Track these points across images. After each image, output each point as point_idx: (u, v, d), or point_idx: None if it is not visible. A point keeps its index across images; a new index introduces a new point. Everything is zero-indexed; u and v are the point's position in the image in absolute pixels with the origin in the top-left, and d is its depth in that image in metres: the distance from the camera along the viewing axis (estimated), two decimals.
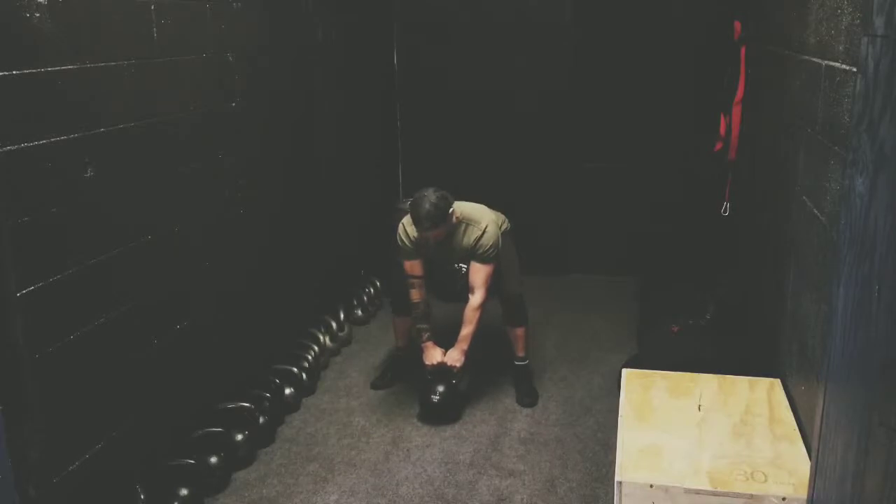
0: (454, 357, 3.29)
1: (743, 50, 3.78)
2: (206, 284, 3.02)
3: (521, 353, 3.53)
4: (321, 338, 3.84)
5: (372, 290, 4.53)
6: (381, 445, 3.11)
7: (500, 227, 3.32)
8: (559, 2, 4.68)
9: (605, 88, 4.72)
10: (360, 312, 4.35)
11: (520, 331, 3.49)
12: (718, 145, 3.99)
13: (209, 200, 3.04)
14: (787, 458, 2.19)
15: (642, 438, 2.33)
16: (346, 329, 4.10)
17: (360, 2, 4.55)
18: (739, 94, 3.81)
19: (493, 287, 3.33)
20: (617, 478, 2.14)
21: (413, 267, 3.31)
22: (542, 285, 4.66)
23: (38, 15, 2.11)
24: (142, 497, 2.49)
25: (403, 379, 3.61)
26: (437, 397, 3.23)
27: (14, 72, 2.03)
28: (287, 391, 3.34)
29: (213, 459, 2.78)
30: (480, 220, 3.23)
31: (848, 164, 1.47)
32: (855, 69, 1.76)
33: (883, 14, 1.29)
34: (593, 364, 3.80)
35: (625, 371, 2.83)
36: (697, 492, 2.07)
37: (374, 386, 3.60)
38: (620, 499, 2.12)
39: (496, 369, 3.63)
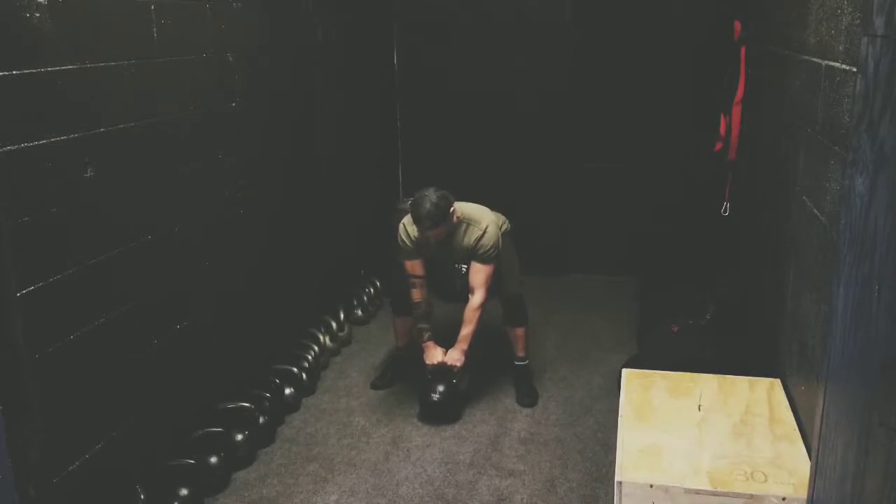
0: (454, 357, 3.29)
1: (743, 50, 3.78)
2: (206, 284, 3.02)
3: (521, 353, 3.53)
4: (321, 338, 3.84)
5: (372, 290, 4.53)
6: (381, 445, 3.11)
7: (500, 228, 3.32)
8: (559, 2, 4.68)
9: (605, 88, 4.72)
10: (360, 312, 4.35)
11: (520, 331, 3.49)
12: (718, 145, 3.99)
13: (209, 200, 3.04)
14: (787, 458, 2.19)
15: (642, 438, 2.33)
16: (346, 329, 4.10)
17: (360, 2, 4.55)
18: (739, 94, 3.81)
19: (493, 287, 3.33)
20: (617, 478, 2.14)
21: (414, 267, 3.31)
22: (542, 285, 4.66)
23: (38, 15, 2.11)
24: (142, 497, 2.49)
25: (403, 379, 3.61)
26: (438, 396, 3.23)
27: (14, 72, 2.03)
28: (287, 391, 3.34)
29: (213, 459, 2.78)
30: (481, 220, 3.23)
31: (848, 164, 1.47)
32: (855, 69, 1.76)
33: (883, 14, 1.29)
34: (593, 364, 3.80)
35: (625, 371, 2.83)
36: (697, 492, 2.07)
37: (374, 386, 3.60)
38: (620, 499, 2.12)
39: (496, 369, 3.63)
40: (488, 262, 3.24)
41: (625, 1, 4.64)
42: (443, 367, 3.28)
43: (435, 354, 3.31)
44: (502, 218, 3.43)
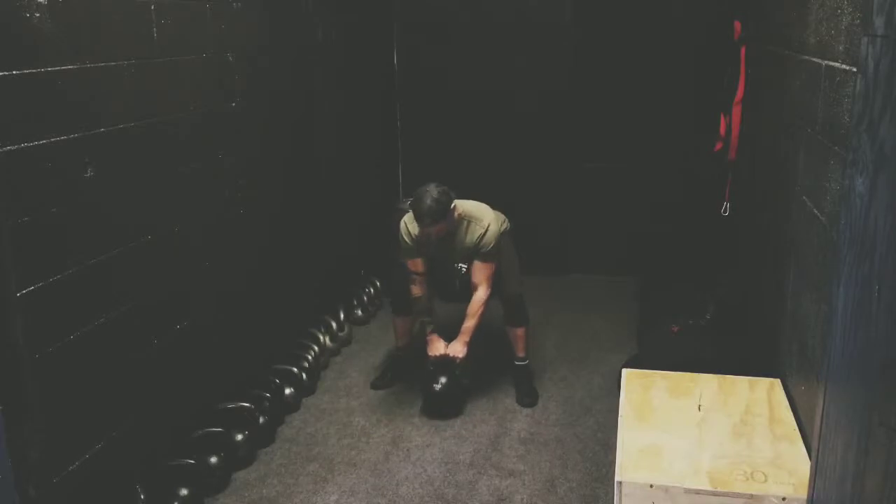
0: (456, 349, 3.31)
1: (743, 50, 3.78)
2: (206, 284, 3.02)
3: (521, 353, 3.53)
4: (321, 338, 3.84)
5: (372, 290, 4.53)
6: (381, 445, 3.11)
7: (501, 226, 3.32)
8: (559, 2, 4.68)
9: (605, 88, 4.72)
10: (360, 312, 4.35)
11: (520, 331, 3.49)
12: (718, 145, 3.98)
13: (209, 200, 3.04)
14: (787, 458, 2.19)
15: (642, 438, 2.33)
16: (346, 329, 4.10)
17: (360, 2, 4.55)
18: (739, 94, 3.81)
19: (493, 287, 3.34)
20: (617, 478, 2.14)
21: (415, 265, 3.32)
22: (542, 285, 4.66)
23: (38, 15, 2.11)
24: (142, 497, 2.49)
25: (403, 379, 3.61)
26: (440, 387, 3.26)
27: (14, 72, 2.03)
28: (287, 391, 3.34)
29: (213, 459, 2.78)
30: (482, 217, 3.23)
31: (848, 164, 1.47)
32: (855, 69, 1.76)
33: (883, 14, 1.29)
34: (593, 364, 3.80)
35: (625, 371, 2.83)
36: (697, 492, 2.07)
37: (374, 386, 3.60)
38: (620, 499, 2.12)
39: (496, 369, 3.63)
40: (490, 259, 3.25)
41: (625, 1, 4.64)
42: (445, 359, 3.30)
43: (437, 346, 3.34)
44: (502, 216, 3.43)
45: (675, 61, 4.52)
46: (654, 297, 4.01)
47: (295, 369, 3.46)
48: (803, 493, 1.98)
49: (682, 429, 2.38)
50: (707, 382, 2.68)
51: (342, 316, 4.17)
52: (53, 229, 2.20)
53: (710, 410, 2.49)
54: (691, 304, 3.45)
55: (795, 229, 2.64)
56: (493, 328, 3.61)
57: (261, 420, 3.06)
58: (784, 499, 2.01)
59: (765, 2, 3.49)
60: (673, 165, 4.68)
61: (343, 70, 4.31)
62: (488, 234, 3.20)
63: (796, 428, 2.37)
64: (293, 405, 3.37)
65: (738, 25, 3.83)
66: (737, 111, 3.84)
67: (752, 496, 2.03)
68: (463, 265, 3.36)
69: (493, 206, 3.40)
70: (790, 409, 2.48)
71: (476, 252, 3.23)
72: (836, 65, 2.18)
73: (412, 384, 3.53)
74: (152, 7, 2.62)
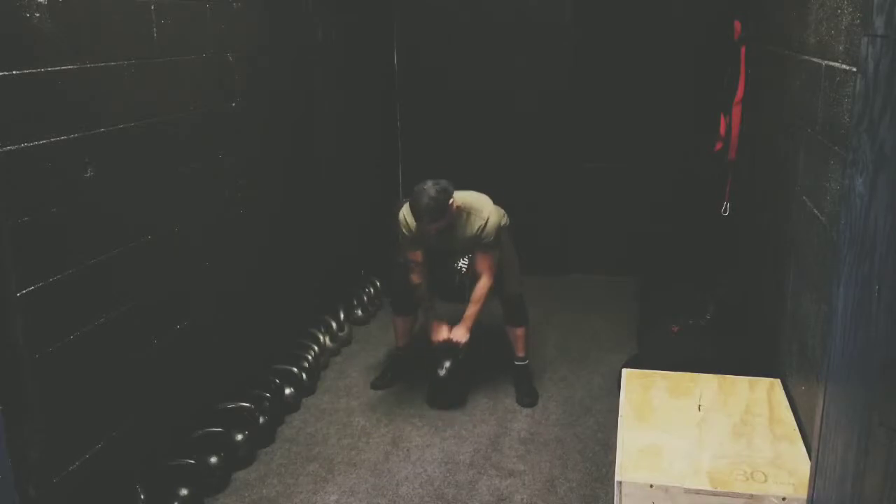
0: (459, 334, 3.35)
1: (743, 50, 3.78)
2: (206, 284, 3.02)
3: (521, 353, 3.53)
4: (321, 338, 3.84)
5: (372, 290, 4.53)
6: (381, 445, 3.11)
7: (500, 220, 3.31)
8: (559, 2, 4.68)
9: (605, 88, 4.72)
10: (360, 312, 4.35)
11: (520, 331, 3.49)
12: (718, 145, 3.99)
13: (209, 200, 3.04)
14: (787, 458, 2.19)
15: (642, 438, 2.33)
16: (346, 329, 4.10)
17: (360, 2, 4.55)
18: (739, 94, 3.81)
19: (493, 287, 3.33)
20: (617, 478, 2.14)
21: (414, 255, 3.34)
22: (542, 285, 4.66)
23: (38, 15, 2.11)
24: (142, 497, 2.49)
25: (403, 379, 3.61)
26: (444, 372, 3.32)
27: (14, 72, 2.03)
28: (287, 391, 3.34)
29: (213, 459, 2.78)
30: (482, 209, 3.22)
31: (848, 164, 1.47)
32: (855, 69, 1.76)
33: (883, 14, 1.29)
34: (593, 364, 3.80)
35: (625, 371, 2.83)
36: (697, 492, 2.07)
37: (374, 386, 3.60)
38: (620, 499, 2.12)
39: (496, 369, 3.63)
40: (491, 250, 3.25)
41: (625, 1, 4.64)
42: (448, 344, 3.35)
43: (441, 331, 3.36)
44: (501, 210, 3.43)
45: (675, 61, 4.52)
46: (654, 297, 4.01)
47: (295, 369, 3.46)
48: (803, 493, 1.98)
49: (682, 429, 2.38)
50: (707, 382, 2.68)
51: (342, 316, 4.17)
52: (53, 229, 2.20)
53: (710, 410, 2.49)
54: (691, 304, 3.45)
55: (795, 229, 2.64)
56: (493, 328, 3.60)
57: (261, 420, 3.06)
58: (784, 499, 2.01)
59: (765, 2, 3.49)
60: (673, 165, 4.68)
61: (343, 70, 4.31)
62: (488, 225, 3.19)
63: (796, 428, 2.37)
64: (293, 405, 3.37)
65: (738, 25, 3.83)
66: (737, 111, 3.84)
67: (752, 496, 2.03)
68: (463, 265, 3.36)
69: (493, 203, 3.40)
70: (790, 409, 2.48)
71: (477, 243, 3.23)
72: (836, 65, 2.18)
73: (412, 384, 3.53)
74: (152, 7, 2.62)
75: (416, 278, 3.37)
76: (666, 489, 2.09)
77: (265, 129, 3.48)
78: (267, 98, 3.49)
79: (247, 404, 3.07)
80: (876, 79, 1.32)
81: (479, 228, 3.20)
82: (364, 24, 4.59)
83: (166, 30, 2.69)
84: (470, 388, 3.47)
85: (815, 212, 2.35)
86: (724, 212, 3.93)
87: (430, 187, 3.04)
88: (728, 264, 4.04)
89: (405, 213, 3.24)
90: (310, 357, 3.62)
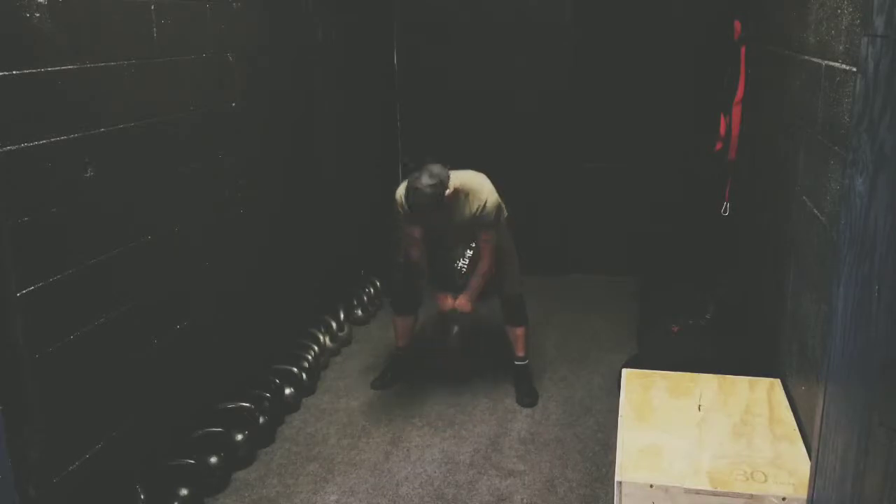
0: (462, 302, 3.36)
1: (743, 50, 3.78)
2: (206, 284, 3.02)
3: (521, 353, 3.53)
4: (321, 338, 3.84)
5: (372, 290, 4.53)
6: (381, 445, 3.11)
7: (498, 199, 3.29)
8: (559, 2, 4.68)
9: (605, 88, 4.72)
10: (360, 312, 4.35)
11: (520, 331, 3.49)
12: (718, 145, 3.98)
13: (209, 200, 3.04)
14: (787, 458, 2.19)
15: (642, 438, 2.33)
16: (346, 329, 4.10)
17: (360, 2, 4.55)
18: (739, 94, 3.81)
19: (493, 287, 3.33)
20: (617, 478, 2.14)
21: (412, 230, 3.32)
22: (542, 285, 4.66)
23: (38, 15, 2.11)
24: (142, 497, 2.49)
25: (403, 379, 3.61)
26: (454, 333, 3.47)
27: (14, 72, 2.03)
28: (287, 391, 3.34)
29: (213, 459, 2.78)
30: (481, 190, 3.20)
31: (848, 164, 1.47)
32: (855, 69, 1.76)
33: (883, 14, 1.29)
34: (593, 364, 3.80)
35: (625, 371, 2.83)
36: (697, 492, 2.07)
37: (374, 386, 3.60)
38: (620, 499, 2.12)
39: (496, 369, 3.63)
40: (491, 228, 3.24)
41: (625, 1, 4.64)
42: (454, 314, 3.40)
43: (446, 302, 3.39)
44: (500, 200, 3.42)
45: (675, 61, 4.52)
46: (654, 297, 4.01)
47: (295, 369, 3.46)
48: (803, 493, 1.98)
49: (682, 429, 2.38)
50: (707, 382, 2.68)
51: (342, 316, 4.17)
52: (53, 229, 2.20)
53: (710, 410, 2.49)
54: (691, 304, 3.45)
55: (795, 229, 2.64)
56: (493, 328, 3.60)
57: (261, 420, 3.06)
58: (784, 499, 2.01)
59: (765, 2, 3.49)
60: (673, 165, 4.68)
61: (343, 70, 4.31)
62: (487, 205, 3.17)
63: (796, 428, 2.37)
64: (293, 405, 3.37)
65: (738, 25, 3.83)
66: (737, 111, 3.84)
67: (752, 496, 2.03)
68: (463, 265, 3.36)
69: None
70: (790, 409, 2.48)
71: (475, 222, 3.21)
72: (836, 65, 2.18)
73: (412, 384, 3.54)
74: (152, 7, 2.62)
75: (415, 253, 3.36)
76: (666, 489, 2.09)
77: (265, 129, 3.48)
78: (267, 98, 3.49)
79: (247, 404, 3.07)
80: (876, 79, 1.32)
81: (478, 208, 3.17)
82: (364, 24, 4.59)
83: (166, 30, 2.69)
84: (480, 350, 3.62)
85: (815, 212, 2.35)
86: (724, 212, 3.93)
87: (424, 184, 2.98)
88: (728, 264, 4.04)
89: (401, 191, 3.19)
90: (310, 357, 3.62)
